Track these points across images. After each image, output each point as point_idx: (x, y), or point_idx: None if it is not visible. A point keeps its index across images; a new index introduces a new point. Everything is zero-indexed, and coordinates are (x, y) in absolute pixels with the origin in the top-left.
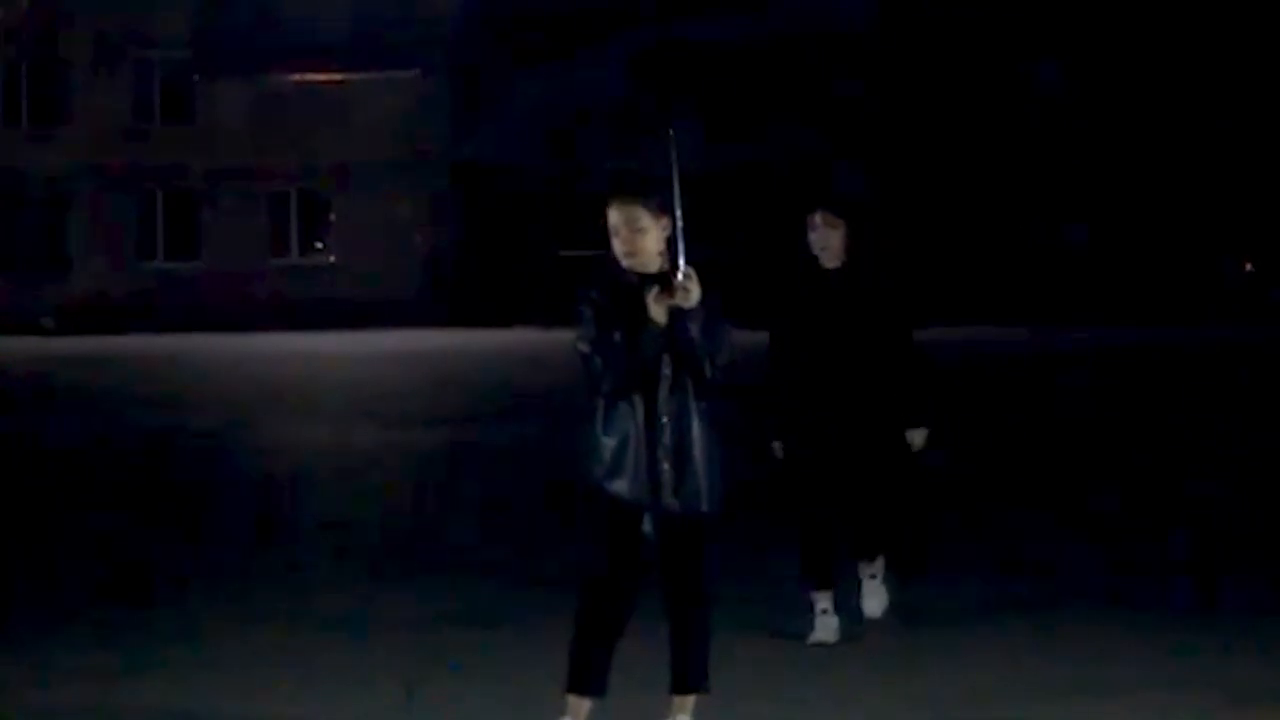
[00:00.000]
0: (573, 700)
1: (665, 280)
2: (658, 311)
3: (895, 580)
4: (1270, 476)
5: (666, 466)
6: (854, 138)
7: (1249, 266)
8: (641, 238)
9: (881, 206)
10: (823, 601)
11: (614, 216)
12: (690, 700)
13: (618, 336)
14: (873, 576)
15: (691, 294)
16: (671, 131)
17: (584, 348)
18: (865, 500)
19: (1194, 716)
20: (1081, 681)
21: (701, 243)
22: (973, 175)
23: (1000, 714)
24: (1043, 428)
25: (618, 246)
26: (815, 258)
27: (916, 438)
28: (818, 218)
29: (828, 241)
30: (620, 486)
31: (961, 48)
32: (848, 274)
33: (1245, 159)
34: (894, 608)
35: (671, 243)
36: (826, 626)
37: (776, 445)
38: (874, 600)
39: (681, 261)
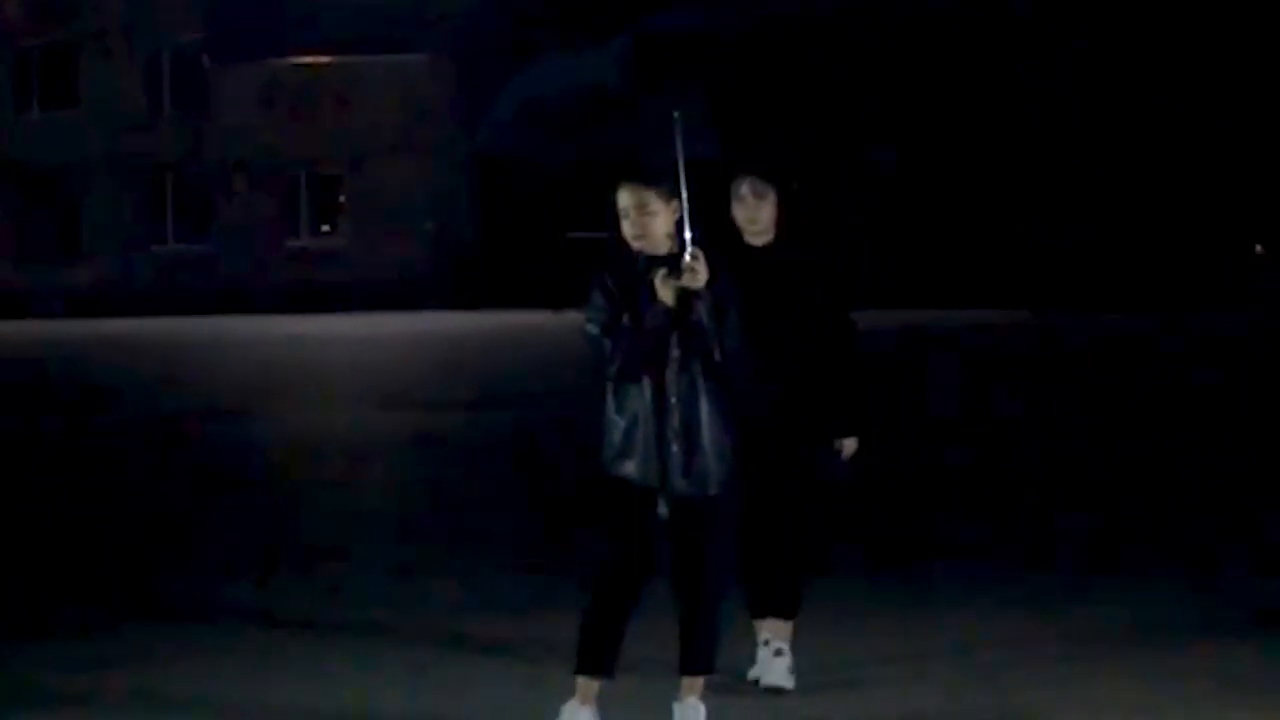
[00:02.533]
0: (581, 681)
1: (674, 262)
2: (665, 293)
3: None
4: (1271, 474)
5: (675, 448)
6: (862, 122)
7: (1259, 249)
8: (651, 221)
9: (895, 189)
10: (765, 633)
11: (623, 200)
12: (699, 682)
13: (626, 318)
14: (779, 653)
15: (699, 275)
16: (678, 115)
17: (593, 330)
18: (786, 522)
19: (1190, 712)
20: (1084, 673)
21: (707, 226)
22: (983, 162)
23: (1003, 698)
24: (1047, 416)
25: (627, 229)
26: (739, 234)
27: (848, 445)
28: (744, 187)
29: (756, 214)
30: (629, 468)
31: (965, 40)
32: (777, 252)
33: (1254, 147)
34: (899, 593)
35: (680, 225)
36: (775, 665)
37: None
38: (777, 674)
39: (689, 244)
